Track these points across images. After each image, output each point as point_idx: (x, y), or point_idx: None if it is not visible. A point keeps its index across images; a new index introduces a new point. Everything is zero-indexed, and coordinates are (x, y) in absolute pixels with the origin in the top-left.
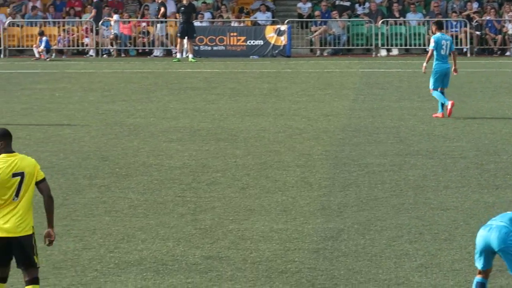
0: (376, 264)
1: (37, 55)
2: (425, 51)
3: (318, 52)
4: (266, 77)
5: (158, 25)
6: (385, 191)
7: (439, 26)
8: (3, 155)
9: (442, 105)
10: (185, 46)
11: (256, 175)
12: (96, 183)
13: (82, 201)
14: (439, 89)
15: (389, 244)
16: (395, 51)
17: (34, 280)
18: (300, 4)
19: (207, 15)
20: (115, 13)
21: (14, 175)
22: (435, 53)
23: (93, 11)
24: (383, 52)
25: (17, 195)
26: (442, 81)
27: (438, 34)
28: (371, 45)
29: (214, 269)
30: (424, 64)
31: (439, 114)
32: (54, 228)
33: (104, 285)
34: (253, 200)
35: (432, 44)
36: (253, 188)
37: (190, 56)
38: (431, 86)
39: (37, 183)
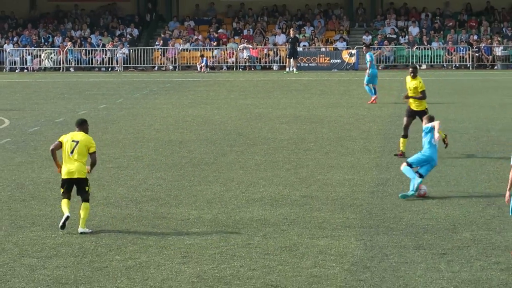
0: (410, 201)
1: (199, 69)
2: (443, 67)
3: (375, 67)
4: (342, 83)
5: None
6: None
7: (367, 46)
8: (75, 132)
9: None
10: (292, 63)
11: (335, 144)
12: (234, 149)
13: (225, 161)
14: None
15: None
16: (424, 66)
17: (86, 200)
18: (364, 37)
19: (305, 43)
20: (247, 43)
21: (73, 141)
22: (372, 64)
23: (230, 40)
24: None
25: (71, 152)
26: (373, 80)
27: (369, 54)
28: (409, 62)
29: (308, 204)
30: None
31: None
32: (91, 171)
33: (239, 214)
34: (333, 160)
35: (368, 58)
36: (333, 153)
37: (295, 70)
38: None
39: (90, 153)
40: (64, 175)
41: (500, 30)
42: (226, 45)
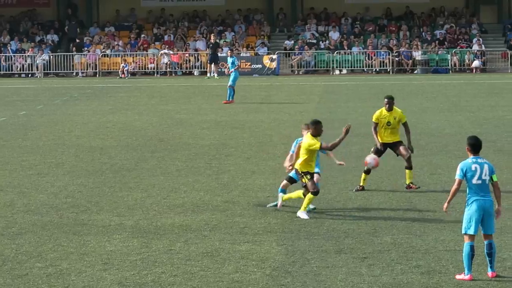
0: (325, 202)
1: (120, 75)
2: (364, 71)
3: (296, 72)
4: (263, 88)
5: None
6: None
7: (231, 49)
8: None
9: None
10: (213, 69)
11: (256, 150)
12: (155, 155)
13: (146, 167)
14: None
15: (339, 192)
16: (344, 71)
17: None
18: (286, 41)
19: (226, 49)
20: (168, 48)
21: None
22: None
23: (151, 45)
24: (337, 72)
25: None
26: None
27: (231, 57)
28: (329, 67)
29: (229, 209)
30: None
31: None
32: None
33: (160, 220)
34: (254, 165)
35: (231, 63)
36: (254, 158)
37: (216, 75)
38: (231, 84)
39: None
40: None
41: (419, 34)
42: (147, 51)
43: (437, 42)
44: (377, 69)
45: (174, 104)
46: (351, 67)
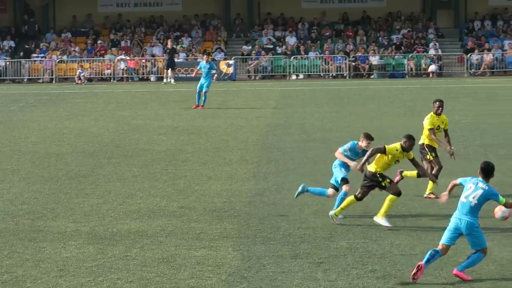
0: (281, 207)
1: (76, 81)
2: (320, 76)
3: (253, 77)
4: (220, 93)
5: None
6: (293, 164)
7: (208, 54)
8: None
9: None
10: (170, 74)
11: (213, 155)
12: (111, 161)
13: (102, 173)
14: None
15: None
16: (301, 76)
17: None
18: (244, 46)
19: (183, 55)
20: (125, 54)
21: None
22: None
23: (108, 51)
24: (294, 77)
25: None
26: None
27: (205, 62)
28: (286, 72)
29: (185, 215)
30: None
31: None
32: None
33: (116, 226)
34: (210, 171)
35: (208, 68)
36: (210, 163)
37: (172, 80)
38: (205, 89)
39: None
40: None
41: (376, 39)
42: (104, 57)
43: (393, 46)
44: (334, 74)
45: (131, 110)
46: (308, 72)
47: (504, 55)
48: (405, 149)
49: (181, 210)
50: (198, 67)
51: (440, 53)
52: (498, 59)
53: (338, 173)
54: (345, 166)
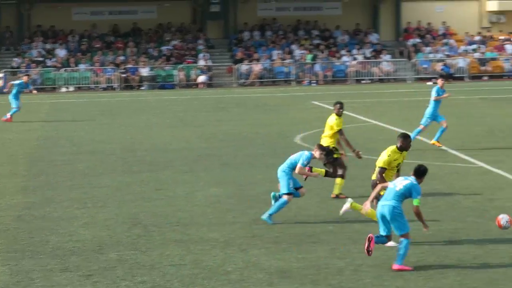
0: (50, 220)
1: None
2: (90, 88)
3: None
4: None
5: None
6: (63, 177)
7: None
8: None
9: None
10: None
11: None
12: None
13: None
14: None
15: (65, 210)
16: (71, 88)
17: None
18: (16, 59)
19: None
20: None
21: None
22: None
23: None
24: (63, 89)
25: None
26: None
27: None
28: (56, 84)
29: None
30: None
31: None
32: None
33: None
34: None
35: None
36: None
37: None
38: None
39: None
40: None
41: (146, 50)
42: None
43: (164, 57)
44: (105, 86)
45: None
46: (78, 84)
47: (272, 65)
48: (403, 149)
49: None
50: None
51: (210, 63)
52: (267, 69)
53: (283, 187)
54: (293, 178)
